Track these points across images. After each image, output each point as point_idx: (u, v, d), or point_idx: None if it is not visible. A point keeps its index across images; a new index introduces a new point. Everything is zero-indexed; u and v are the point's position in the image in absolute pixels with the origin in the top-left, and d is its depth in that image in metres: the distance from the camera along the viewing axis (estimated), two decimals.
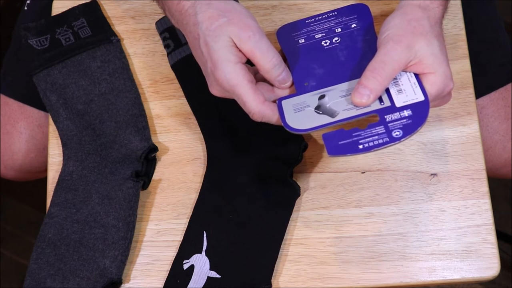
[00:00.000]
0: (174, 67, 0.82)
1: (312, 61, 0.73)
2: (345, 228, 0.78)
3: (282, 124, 0.69)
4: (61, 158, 0.82)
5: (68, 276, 0.75)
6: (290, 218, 0.78)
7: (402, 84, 0.69)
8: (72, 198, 0.79)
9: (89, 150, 0.81)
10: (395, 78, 0.69)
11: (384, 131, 0.67)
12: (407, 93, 0.68)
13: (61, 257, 0.77)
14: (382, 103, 0.68)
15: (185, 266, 0.76)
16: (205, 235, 0.77)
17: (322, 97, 0.70)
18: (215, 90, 0.70)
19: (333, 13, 0.77)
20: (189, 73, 0.81)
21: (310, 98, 0.70)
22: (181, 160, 0.82)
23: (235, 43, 0.67)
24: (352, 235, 0.77)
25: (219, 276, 0.75)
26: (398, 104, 0.68)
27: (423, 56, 0.67)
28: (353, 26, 0.75)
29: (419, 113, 0.67)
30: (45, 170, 0.85)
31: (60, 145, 0.83)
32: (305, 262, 0.77)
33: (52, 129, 0.84)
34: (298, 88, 0.71)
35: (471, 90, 0.81)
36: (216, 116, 0.80)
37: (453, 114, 0.80)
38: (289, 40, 0.76)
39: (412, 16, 0.68)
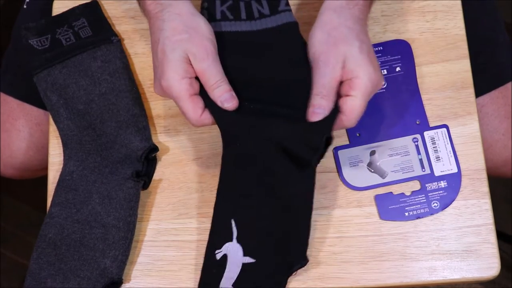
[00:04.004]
0: None
1: None
2: (345, 228, 0.78)
3: (339, 176, 0.79)
4: (62, 158, 0.82)
5: (68, 276, 0.75)
6: None
7: (440, 151, 0.79)
8: (72, 198, 0.79)
9: (90, 150, 0.81)
10: (434, 144, 0.79)
11: (425, 200, 0.78)
12: (443, 162, 0.79)
13: (62, 257, 0.77)
14: (424, 170, 0.78)
15: (218, 256, 0.75)
16: (233, 222, 0.75)
17: (372, 152, 0.79)
18: (157, 90, 0.75)
19: (379, 48, 0.83)
20: None
21: (363, 153, 0.80)
22: (181, 160, 0.82)
23: (189, 60, 0.73)
24: (352, 235, 0.77)
25: (254, 260, 0.74)
26: (437, 173, 0.78)
27: (346, 63, 0.72)
28: (397, 69, 0.81)
29: (453, 186, 0.78)
30: (44, 168, 0.85)
31: (61, 145, 0.83)
32: None
33: (53, 129, 0.84)
34: (351, 138, 0.80)
35: (471, 90, 0.81)
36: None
37: (453, 114, 0.80)
38: None
39: (330, 26, 0.74)
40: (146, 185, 0.80)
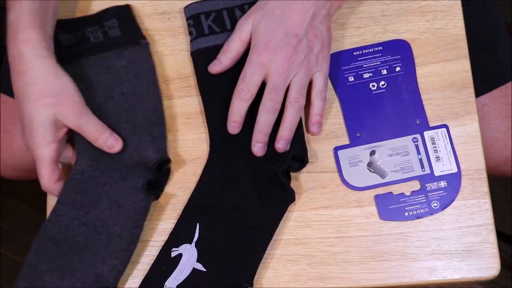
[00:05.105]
0: (193, 54, 0.83)
1: (363, 108, 0.81)
2: (345, 228, 0.78)
3: (339, 176, 0.79)
4: None
5: (65, 275, 0.75)
6: (290, 218, 0.78)
7: (440, 151, 0.79)
8: (81, 200, 0.78)
9: (102, 150, 0.79)
10: (434, 144, 0.78)
11: (425, 200, 0.77)
12: (443, 162, 0.78)
13: (62, 255, 0.76)
14: (423, 170, 0.78)
15: (173, 254, 0.76)
16: (198, 226, 0.77)
17: (372, 152, 0.79)
18: (24, 141, 0.77)
19: (378, 48, 0.82)
20: (205, 64, 0.81)
21: (363, 152, 0.79)
22: (181, 160, 0.82)
23: (57, 122, 0.75)
24: (352, 235, 0.77)
25: (204, 270, 0.75)
26: (437, 173, 0.78)
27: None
28: (397, 69, 0.81)
29: (452, 186, 0.78)
30: None
31: None
32: (305, 262, 0.77)
33: None
34: (351, 138, 0.80)
35: (471, 90, 0.81)
36: (223, 109, 0.80)
37: (453, 114, 0.80)
38: (338, 73, 0.82)
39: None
40: (157, 197, 0.80)
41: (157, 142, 0.80)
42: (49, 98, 0.75)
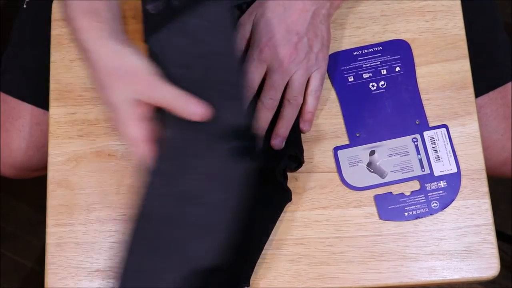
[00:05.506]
0: None
1: (362, 108, 0.81)
2: (345, 228, 0.78)
3: (339, 176, 0.79)
4: (62, 158, 0.82)
5: (156, 254, 0.72)
6: (290, 218, 0.78)
7: (439, 151, 0.79)
8: (169, 170, 0.73)
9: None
10: (434, 144, 0.78)
11: (425, 200, 0.78)
12: (443, 162, 0.78)
13: (153, 233, 0.73)
14: (423, 170, 0.78)
15: None
16: None
17: (372, 152, 0.79)
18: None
19: (378, 48, 0.83)
20: None
21: (362, 153, 0.79)
22: None
23: (136, 101, 0.70)
24: (352, 235, 0.78)
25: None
26: (436, 173, 0.78)
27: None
28: (397, 69, 0.81)
29: (452, 186, 0.78)
30: (43, 168, 0.84)
31: (60, 145, 0.83)
32: (305, 262, 0.77)
33: (52, 129, 0.84)
34: (351, 138, 0.80)
35: (471, 90, 0.81)
36: None
37: (453, 114, 0.81)
38: (338, 73, 0.82)
39: None
40: (252, 166, 0.73)
41: (236, 104, 0.74)
42: (120, 79, 0.72)
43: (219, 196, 0.72)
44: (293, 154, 0.78)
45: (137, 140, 0.71)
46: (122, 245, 0.72)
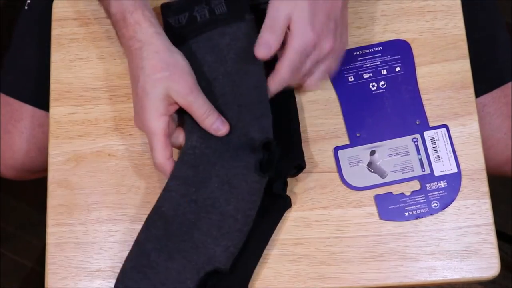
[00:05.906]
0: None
1: (363, 108, 0.81)
2: (345, 228, 0.78)
3: (339, 176, 0.79)
4: (62, 158, 0.82)
5: (174, 255, 0.74)
6: (290, 218, 0.78)
7: (440, 151, 0.79)
8: (192, 176, 0.76)
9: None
10: (434, 144, 0.79)
11: (425, 200, 0.78)
12: (443, 162, 0.79)
13: (171, 235, 0.75)
14: (423, 170, 0.78)
15: None
16: None
17: (372, 152, 0.79)
18: (136, 124, 0.77)
19: (378, 48, 0.83)
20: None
21: (363, 152, 0.80)
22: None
23: (169, 97, 0.74)
24: (352, 235, 0.78)
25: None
26: (436, 173, 0.78)
27: (290, 19, 0.74)
28: (397, 69, 0.82)
29: (452, 186, 0.78)
30: (45, 170, 0.85)
31: (60, 145, 0.83)
32: (305, 262, 0.77)
33: (52, 129, 0.84)
34: (351, 138, 0.80)
35: (471, 90, 0.81)
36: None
37: (453, 114, 0.81)
38: (338, 73, 0.82)
39: None
40: (271, 177, 0.76)
41: (260, 121, 0.78)
42: (163, 72, 0.74)
43: (241, 206, 0.75)
44: (297, 166, 0.78)
45: (158, 133, 0.74)
46: (137, 245, 0.75)
